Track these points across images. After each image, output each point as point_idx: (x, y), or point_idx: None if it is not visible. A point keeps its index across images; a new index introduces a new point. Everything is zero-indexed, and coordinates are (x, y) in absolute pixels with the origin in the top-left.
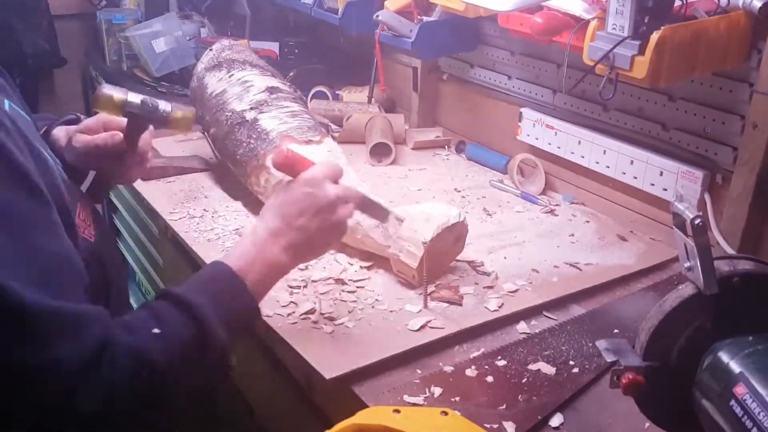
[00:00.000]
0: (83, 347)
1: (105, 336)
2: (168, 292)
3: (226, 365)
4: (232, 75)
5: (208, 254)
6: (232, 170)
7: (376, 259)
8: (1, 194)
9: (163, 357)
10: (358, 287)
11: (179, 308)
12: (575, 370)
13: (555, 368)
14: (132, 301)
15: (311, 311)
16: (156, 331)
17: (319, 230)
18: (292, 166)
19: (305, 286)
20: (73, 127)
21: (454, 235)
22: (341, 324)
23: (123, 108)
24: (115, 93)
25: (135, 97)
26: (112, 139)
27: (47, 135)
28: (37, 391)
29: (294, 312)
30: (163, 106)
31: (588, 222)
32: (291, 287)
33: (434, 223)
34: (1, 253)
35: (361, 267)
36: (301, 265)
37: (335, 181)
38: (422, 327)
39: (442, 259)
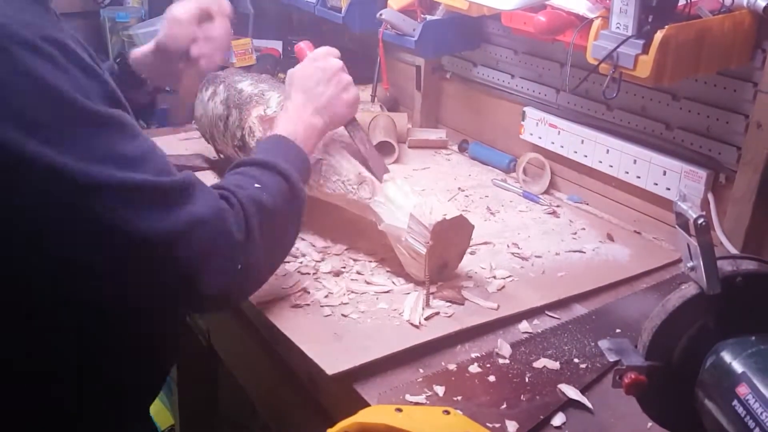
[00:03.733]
0: (213, 199)
1: (223, 190)
2: (246, 160)
3: (304, 212)
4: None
5: None
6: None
7: (381, 257)
8: (114, 110)
9: (270, 201)
10: (366, 282)
11: (265, 168)
12: (577, 369)
13: (558, 364)
14: None
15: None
16: (257, 185)
17: (336, 92)
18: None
19: (314, 273)
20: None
21: (457, 231)
22: (344, 316)
23: None
24: None
25: None
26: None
27: (125, 64)
28: (198, 234)
29: (301, 295)
30: None
31: (590, 222)
32: (301, 273)
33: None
34: (134, 155)
35: (366, 262)
36: (316, 257)
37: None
38: (426, 319)
39: (447, 253)
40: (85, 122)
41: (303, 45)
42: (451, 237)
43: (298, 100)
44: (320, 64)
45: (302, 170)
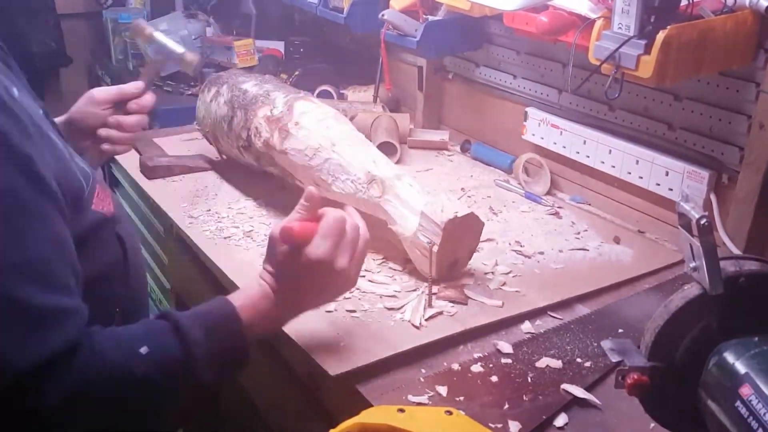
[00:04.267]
0: (46, 346)
1: (78, 339)
2: (168, 315)
3: (204, 401)
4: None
5: (213, 252)
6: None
7: (389, 255)
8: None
9: (142, 372)
10: (370, 281)
11: (175, 334)
12: (580, 369)
13: (561, 363)
14: None
15: None
16: (143, 350)
17: (339, 289)
18: (296, 240)
19: None
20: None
21: (467, 228)
22: (348, 312)
23: (151, 39)
24: (148, 26)
25: (160, 35)
26: (137, 87)
27: None
28: None
29: None
30: (177, 47)
31: (593, 222)
32: None
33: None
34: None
35: (372, 260)
36: None
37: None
38: (429, 320)
39: (458, 251)
40: None
41: (298, 229)
42: (462, 234)
43: (280, 293)
44: (318, 275)
45: (224, 357)
